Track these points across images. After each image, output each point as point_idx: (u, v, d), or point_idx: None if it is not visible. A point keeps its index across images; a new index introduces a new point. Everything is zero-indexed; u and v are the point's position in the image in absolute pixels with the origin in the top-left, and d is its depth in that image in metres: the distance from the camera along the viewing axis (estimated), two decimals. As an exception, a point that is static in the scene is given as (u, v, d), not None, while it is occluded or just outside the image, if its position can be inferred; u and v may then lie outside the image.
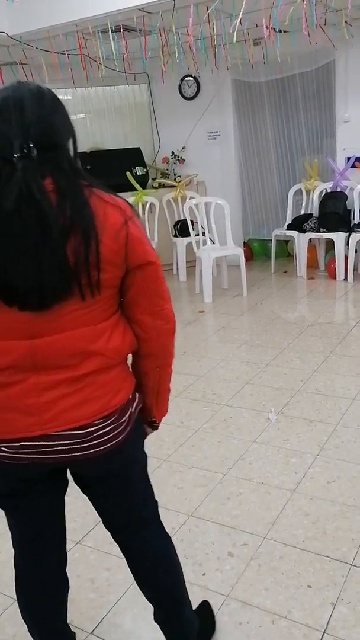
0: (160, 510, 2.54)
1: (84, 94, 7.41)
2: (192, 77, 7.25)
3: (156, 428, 1.72)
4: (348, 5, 4.34)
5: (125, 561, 2.27)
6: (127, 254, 1.35)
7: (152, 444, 3.17)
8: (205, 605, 2.01)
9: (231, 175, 7.28)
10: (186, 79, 7.32)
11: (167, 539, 1.74)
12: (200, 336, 4.97)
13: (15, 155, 1.23)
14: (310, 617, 1.97)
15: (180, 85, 7.40)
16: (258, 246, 7.73)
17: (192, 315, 5.56)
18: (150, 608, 2.04)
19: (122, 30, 5.02)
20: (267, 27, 4.72)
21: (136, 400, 1.54)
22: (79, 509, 2.62)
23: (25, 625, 1.69)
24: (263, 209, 7.54)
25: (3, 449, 1.40)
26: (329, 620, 1.96)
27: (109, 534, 2.43)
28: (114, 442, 1.45)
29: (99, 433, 1.42)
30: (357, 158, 6.34)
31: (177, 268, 7.04)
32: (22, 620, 1.69)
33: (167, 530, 2.43)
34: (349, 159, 6.40)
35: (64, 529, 1.68)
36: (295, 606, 2.02)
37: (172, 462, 2.98)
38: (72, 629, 1.98)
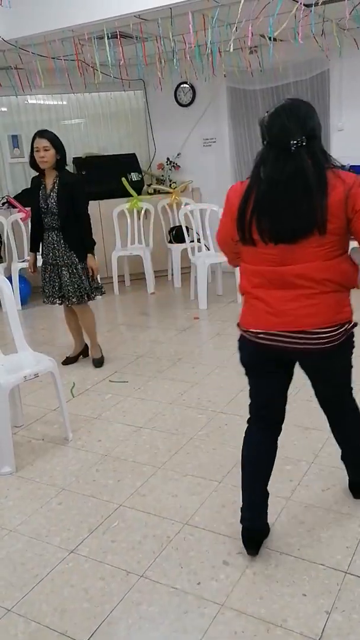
0: (155, 518, 2.55)
1: (80, 100, 7.42)
2: (187, 84, 7.28)
3: None
4: (347, 15, 4.36)
5: (119, 570, 2.26)
6: (347, 208, 1.99)
7: (146, 451, 3.17)
8: None
9: (226, 182, 7.28)
10: (182, 85, 7.34)
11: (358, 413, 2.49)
12: (195, 343, 4.97)
13: (293, 145, 1.97)
14: (305, 625, 1.97)
15: (175, 92, 7.42)
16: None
17: (187, 322, 5.56)
18: (145, 618, 2.04)
19: (118, 36, 5.03)
20: (261, 36, 4.75)
21: (351, 324, 2.17)
22: (72, 518, 2.62)
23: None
24: (258, 215, 7.55)
25: (249, 333, 2.23)
26: (323, 629, 1.95)
27: (103, 542, 2.44)
28: (328, 345, 2.12)
29: (321, 336, 2.10)
30: (351, 166, 6.37)
31: (172, 274, 7.05)
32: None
33: (163, 538, 2.43)
34: (342, 167, 6.41)
35: (284, 407, 2.41)
36: (290, 615, 2.01)
37: (166, 469, 2.97)
38: (66, 639, 1.97)
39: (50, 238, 4.30)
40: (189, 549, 2.36)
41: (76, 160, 7.06)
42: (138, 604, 2.10)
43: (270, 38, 4.81)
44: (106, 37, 4.92)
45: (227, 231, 2.23)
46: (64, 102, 7.46)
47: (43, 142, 4.07)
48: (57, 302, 4.38)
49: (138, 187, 7.09)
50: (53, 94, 7.11)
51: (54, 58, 5.39)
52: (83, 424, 3.54)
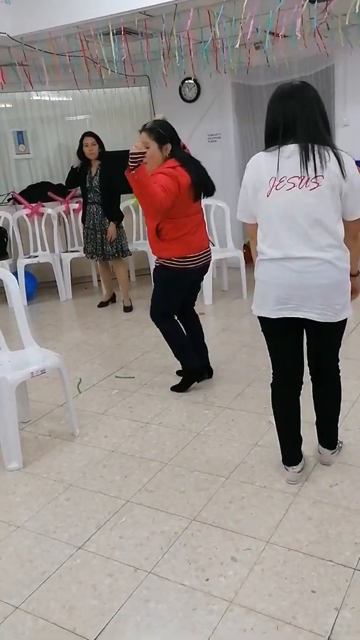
0: (162, 514, 2.54)
1: (85, 96, 7.39)
2: (192, 79, 7.24)
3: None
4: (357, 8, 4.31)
5: (127, 567, 2.26)
6: None
7: (153, 447, 3.16)
8: None
9: (231, 177, 7.26)
10: (186, 81, 7.30)
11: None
12: (200, 339, 4.95)
13: None
14: (314, 622, 1.96)
15: (180, 88, 7.39)
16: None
17: (192, 318, 5.54)
18: (154, 615, 2.03)
19: (123, 32, 5.00)
20: (266, 32, 4.73)
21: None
22: (80, 514, 2.62)
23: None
24: (263, 211, 7.52)
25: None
26: (333, 626, 1.94)
27: (111, 538, 2.44)
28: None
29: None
30: (357, 162, 6.32)
31: (177, 270, 7.02)
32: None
33: (170, 534, 2.43)
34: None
35: None
36: (299, 612, 2.00)
37: (173, 465, 2.97)
38: (74, 637, 1.96)
39: (91, 210, 5.75)
40: (197, 545, 2.36)
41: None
42: (146, 601, 2.09)
43: (273, 34, 4.78)
44: (111, 33, 4.90)
45: None
46: (69, 99, 7.44)
47: (91, 140, 5.66)
48: (96, 257, 5.89)
49: (143, 183, 7.06)
50: (58, 90, 7.09)
51: (59, 54, 5.37)
52: (90, 420, 3.54)
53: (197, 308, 5.97)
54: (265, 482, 2.75)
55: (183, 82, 7.32)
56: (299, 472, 2.73)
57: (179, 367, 4.18)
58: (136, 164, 3.12)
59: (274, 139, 2.40)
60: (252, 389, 3.82)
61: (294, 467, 2.73)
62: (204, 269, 3.76)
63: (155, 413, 3.57)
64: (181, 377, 3.93)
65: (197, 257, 3.64)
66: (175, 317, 3.86)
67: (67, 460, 3.10)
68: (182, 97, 7.42)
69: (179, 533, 2.44)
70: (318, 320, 2.46)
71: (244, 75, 6.68)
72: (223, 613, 2.01)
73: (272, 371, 2.74)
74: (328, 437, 2.85)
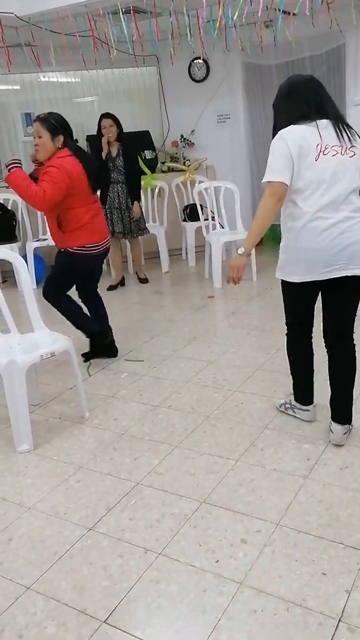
0: (172, 496, 2.55)
1: (93, 77, 7.33)
2: (201, 59, 7.15)
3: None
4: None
5: (137, 548, 2.26)
6: None
7: (163, 430, 3.16)
8: None
9: (241, 159, 7.20)
10: (195, 61, 7.22)
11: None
12: (210, 322, 4.94)
13: None
14: (325, 605, 1.96)
15: (189, 68, 7.31)
16: (267, 231, 7.65)
17: (201, 301, 5.53)
18: (164, 596, 2.03)
19: (132, 11, 4.93)
20: (277, 10, 4.64)
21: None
22: (90, 496, 2.62)
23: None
24: (273, 193, 7.45)
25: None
26: (344, 608, 1.94)
27: (121, 520, 2.45)
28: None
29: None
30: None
31: (187, 253, 7.00)
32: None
33: (180, 516, 2.43)
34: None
35: None
36: (310, 594, 2.00)
37: (183, 448, 2.97)
38: (84, 617, 1.98)
39: (116, 189, 5.77)
40: (207, 527, 2.36)
41: (89, 138, 6.99)
42: (157, 582, 2.10)
43: (285, 12, 4.69)
44: (121, 12, 4.83)
45: None
46: (77, 80, 7.37)
47: (109, 121, 5.60)
48: (121, 236, 5.93)
49: (152, 165, 7.02)
50: (66, 70, 7.03)
51: (67, 34, 5.31)
52: (99, 403, 3.54)
53: (206, 292, 6.03)
54: (275, 465, 2.75)
55: (192, 61, 7.24)
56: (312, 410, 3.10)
57: (186, 350, 4.18)
58: (9, 169, 3.54)
59: (302, 116, 2.59)
60: (262, 372, 3.80)
61: (312, 405, 3.08)
62: (104, 254, 3.99)
63: (164, 396, 3.57)
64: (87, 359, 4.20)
65: (101, 245, 3.87)
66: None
67: (78, 442, 3.11)
68: (191, 77, 7.35)
69: (188, 515, 2.44)
70: None
71: (254, 54, 6.59)
72: (233, 594, 2.02)
73: (286, 326, 3.04)
74: (342, 409, 2.89)
